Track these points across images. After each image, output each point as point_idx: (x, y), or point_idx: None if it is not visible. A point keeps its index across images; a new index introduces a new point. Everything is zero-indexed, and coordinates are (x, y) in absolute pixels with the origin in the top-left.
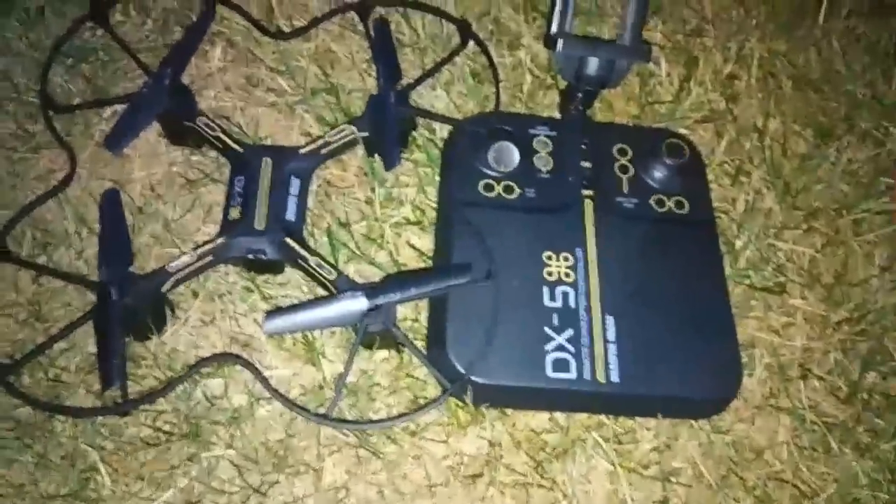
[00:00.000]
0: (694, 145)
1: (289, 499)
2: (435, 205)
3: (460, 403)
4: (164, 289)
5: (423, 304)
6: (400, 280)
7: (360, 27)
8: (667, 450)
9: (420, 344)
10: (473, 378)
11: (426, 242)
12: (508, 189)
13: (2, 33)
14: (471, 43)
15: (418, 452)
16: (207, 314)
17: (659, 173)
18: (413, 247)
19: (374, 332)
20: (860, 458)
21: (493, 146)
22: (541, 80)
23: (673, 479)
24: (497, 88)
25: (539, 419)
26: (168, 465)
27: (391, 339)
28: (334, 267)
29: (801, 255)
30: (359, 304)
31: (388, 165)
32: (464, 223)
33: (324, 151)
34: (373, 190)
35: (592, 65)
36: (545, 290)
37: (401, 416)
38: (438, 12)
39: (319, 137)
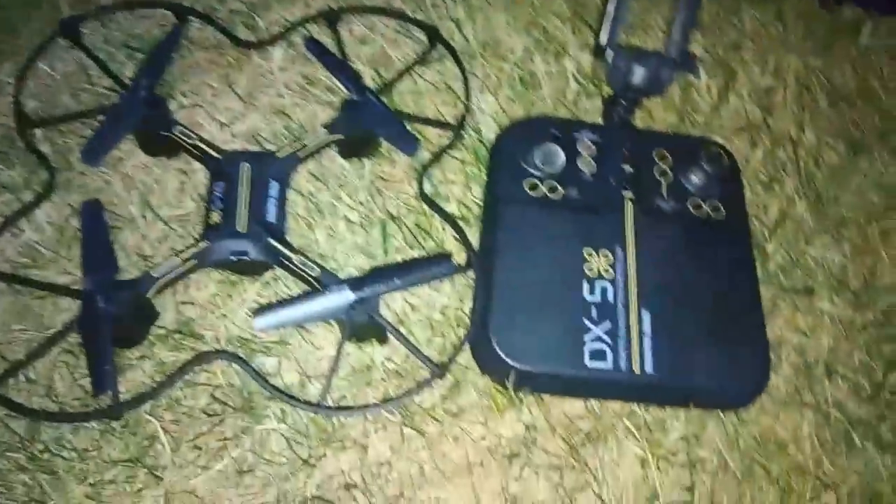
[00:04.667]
0: (731, 154)
1: (335, 472)
2: (479, 201)
3: (500, 388)
4: (148, 294)
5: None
6: (383, 272)
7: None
8: (694, 440)
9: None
10: (516, 365)
11: (471, 237)
12: (553, 189)
13: None
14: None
15: (458, 433)
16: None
17: (697, 179)
18: (459, 242)
19: (360, 323)
20: (882, 453)
21: (540, 148)
22: (584, 87)
23: (699, 468)
24: (467, 91)
25: (573, 406)
26: (223, 436)
27: (379, 330)
28: (317, 264)
29: (830, 262)
30: (344, 296)
31: (410, 149)
32: (508, 219)
33: (300, 154)
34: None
35: (639, 75)
36: (585, 284)
37: (389, 400)
38: (406, 18)
39: (296, 141)
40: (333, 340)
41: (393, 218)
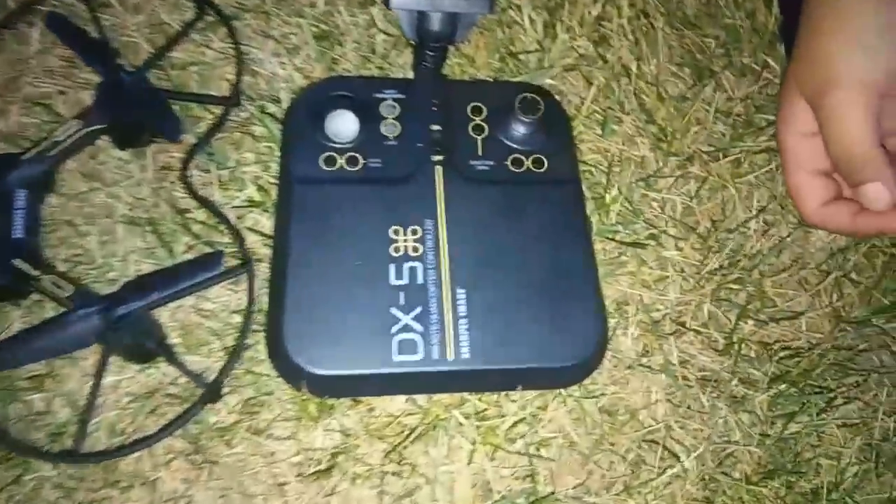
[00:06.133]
0: (553, 97)
1: None
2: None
3: (309, 396)
4: None
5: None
6: (141, 284)
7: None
8: (535, 421)
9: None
10: (314, 370)
11: (273, 225)
12: (352, 161)
13: None
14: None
15: (266, 451)
16: None
17: (514, 131)
18: (258, 231)
19: (127, 345)
20: (734, 412)
21: (331, 115)
22: (396, 38)
23: (542, 453)
24: (239, 59)
25: (397, 402)
26: None
27: (157, 348)
28: (73, 281)
29: (675, 204)
30: (92, 320)
31: (174, 135)
32: (301, 202)
33: (53, 153)
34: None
35: (434, 20)
36: (391, 267)
37: (155, 434)
38: None
39: (44, 139)
40: (111, 366)
41: (181, 212)
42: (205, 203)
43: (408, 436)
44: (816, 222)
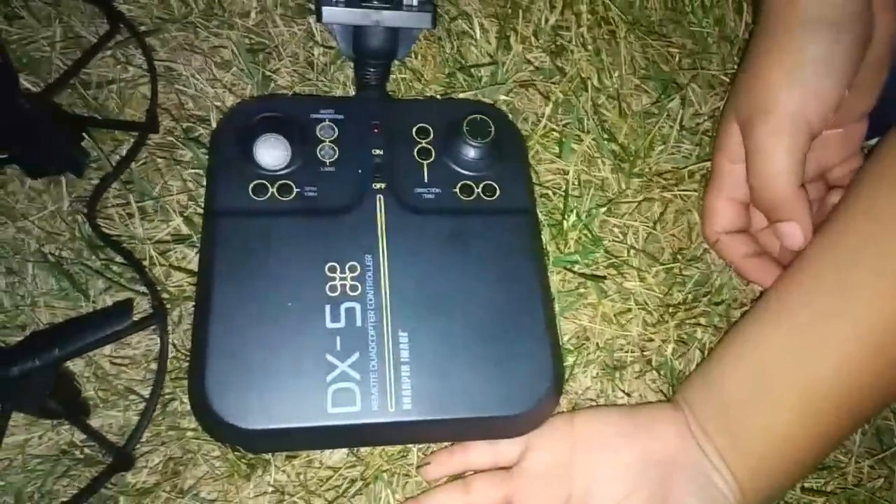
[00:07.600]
0: (506, 116)
1: None
2: None
3: (240, 450)
4: None
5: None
6: (42, 340)
7: None
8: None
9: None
10: (237, 425)
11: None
12: (285, 190)
13: None
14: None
15: None
16: None
17: (463, 156)
18: (185, 269)
19: (30, 400)
20: None
21: (260, 140)
22: (337, 51)
23: None
24: (153, 80)
25: (339, 453)
26: None
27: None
28: None
29: (637, 230)
30: None
31: (74, 168)
32: (227, 236)
33: None
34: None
35: (372, 35)
36: (328, 309)
37: None
38: None
39: None
40: (21, 421)
41: (99, 249)
42: (111, 244)
43: (348, 489)
44: (712, 244)
